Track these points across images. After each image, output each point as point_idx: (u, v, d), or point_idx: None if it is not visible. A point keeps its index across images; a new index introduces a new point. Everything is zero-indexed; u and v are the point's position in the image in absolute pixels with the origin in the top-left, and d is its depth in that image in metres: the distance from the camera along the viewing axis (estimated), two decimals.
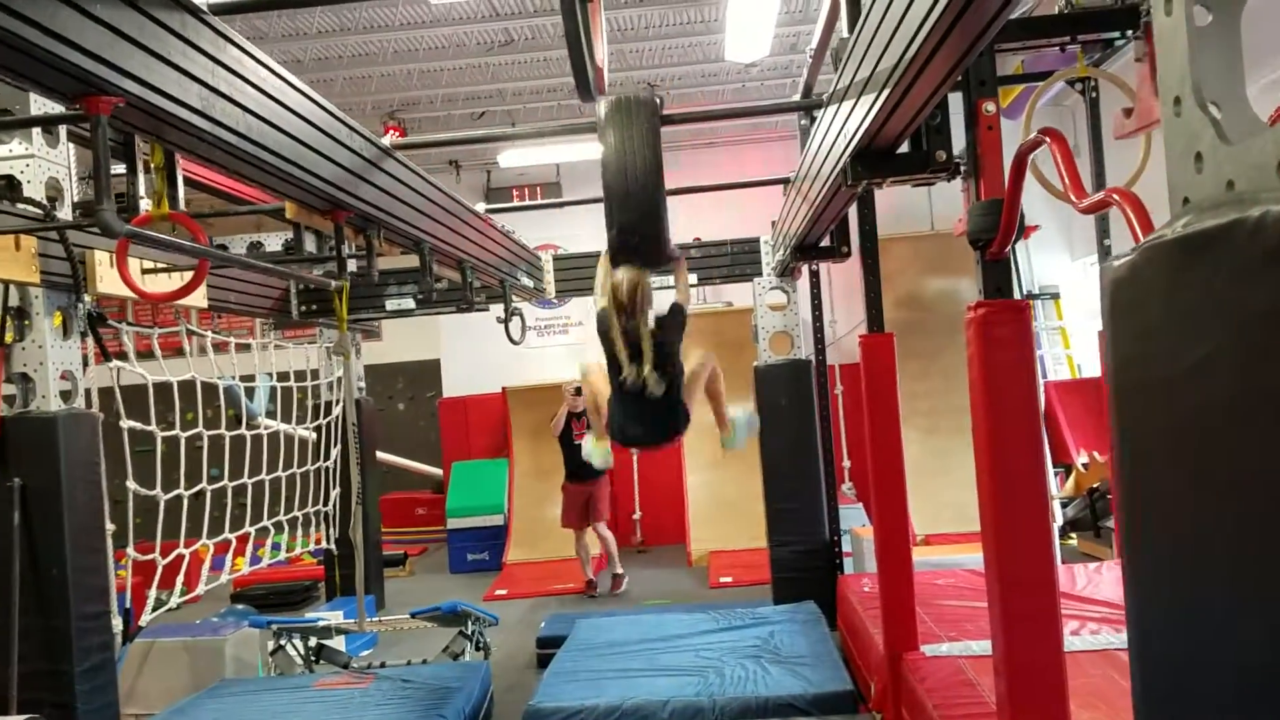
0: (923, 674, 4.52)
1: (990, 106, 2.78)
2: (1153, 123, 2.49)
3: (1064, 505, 9.45)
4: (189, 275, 6.05)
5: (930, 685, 4.37)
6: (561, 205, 9.44)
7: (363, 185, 3.78)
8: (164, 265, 5.49)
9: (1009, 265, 2.87)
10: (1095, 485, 8.94)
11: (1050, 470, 10.22)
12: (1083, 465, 9.29)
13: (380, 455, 10.32)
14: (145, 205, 3.26)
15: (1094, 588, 5.88)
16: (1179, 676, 0.94)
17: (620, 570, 9.46)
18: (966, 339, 2.89)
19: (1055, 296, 11.25)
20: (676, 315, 4.87)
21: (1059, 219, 11.43)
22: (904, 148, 3.55)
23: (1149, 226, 1.89)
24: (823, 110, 3.95)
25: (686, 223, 5.44)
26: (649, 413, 4.69)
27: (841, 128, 3.59)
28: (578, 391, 9.34)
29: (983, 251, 2.84)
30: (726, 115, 5.55)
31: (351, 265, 5.30)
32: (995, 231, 2.75)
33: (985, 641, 4.90)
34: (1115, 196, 1.96)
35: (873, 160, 3.50)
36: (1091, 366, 10.72)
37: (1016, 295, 9.22)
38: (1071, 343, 11.44)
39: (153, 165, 2.85)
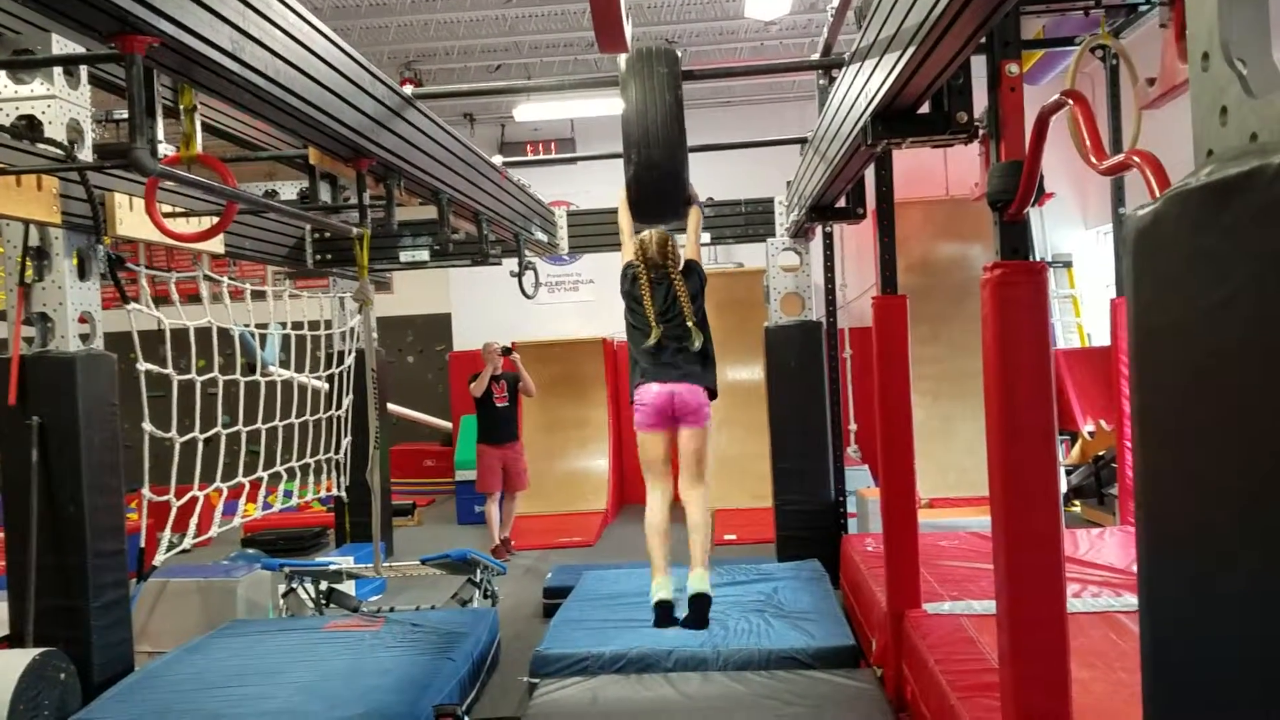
0: (924, 630, 4.59)
1: (1014, 68, 2.79)
2: (1177, 87, 2.51)
3: (1069, 472, 9.51)
4: (207, 221, 6.11)
5: (932, 641, 4.45)
6: (577, 160, 9.43)
7: (385, 134, 3.80)
8: (182, 210, 5.54)
9: (1026, 227, 2.89)
10: (1101, 453, 8.99)
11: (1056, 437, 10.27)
12: (1089, 433, 9.34)
13: (390, 407, 10.40)
14: (164, 150, 3.30)
15: (1096, 552, 5.95)
16: (1189, 624, 0.99)
17: (508, 537, 9.43)
18: (981, 299, 2.93)
19: (1068, 265, 11.25)
20: (696, 271, 5.04)
21: (1074, 188, 11.41)
22: (925, 109, 3.58)
23: (1168, 187, 1.92)
24: (843, 69, 3.96)
25: (700, 182, 5.47)
26: (686, 360, 4.87)
27: (863, 87, 3.60)
28: (505, 352, 9.40)
29: (1001, 213, 2.86)
30: (746, 73, 5.55)
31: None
32: (1014, 193, 2.77)
33: (987, 601, 5.01)
34: (1135, 158, 1.99)
35: (893, 120, 3.52)
36: (1101, 336, 10.74)
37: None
38: (1083, 312, 11.45)
39: (182, 107, 2.88)
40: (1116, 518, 7.46)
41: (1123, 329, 7.10)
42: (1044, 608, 2.80)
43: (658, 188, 4.44)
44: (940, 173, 11.14)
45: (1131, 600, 4.89)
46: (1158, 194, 1.90)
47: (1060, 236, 11.39)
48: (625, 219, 5.18)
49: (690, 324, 4.77)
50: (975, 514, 7.93)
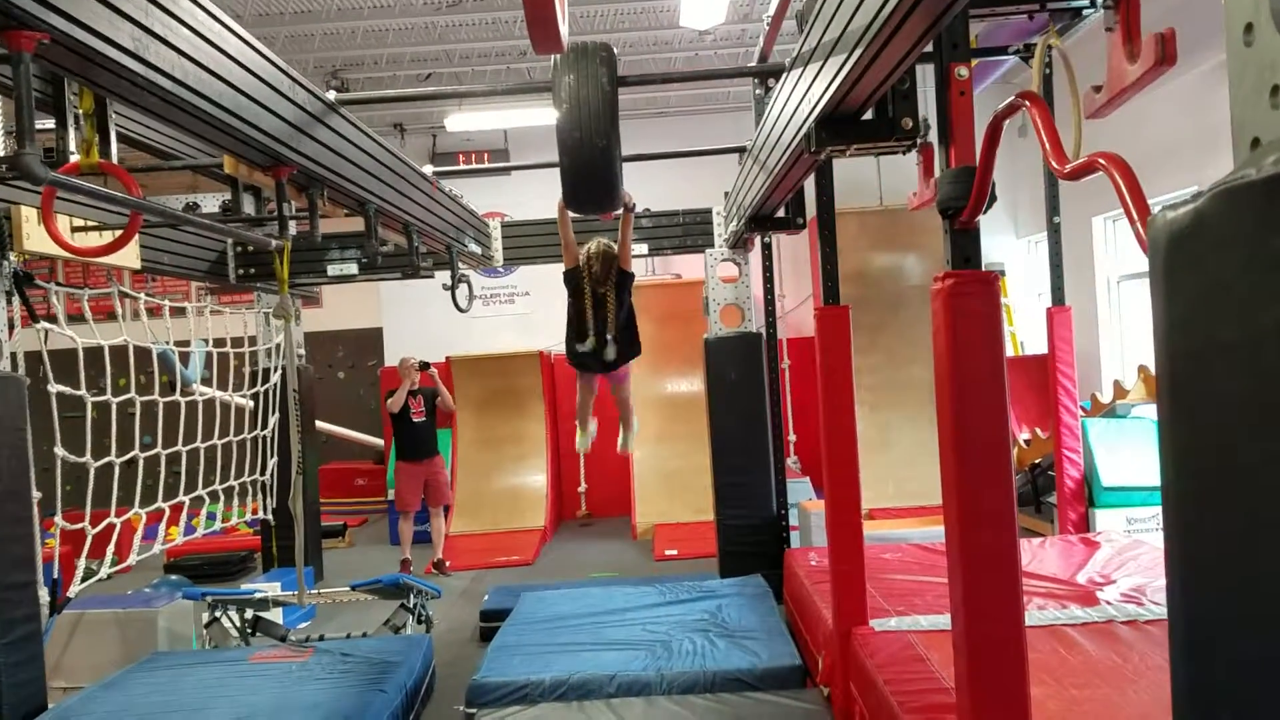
0: (872, 649, 4.49)
1: (963, 71, 2.70)
2: (1125, 90, 2.43)
3: None
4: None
5: (880, 660, 4.35)
6: (511, 170, 9.26)
7: (306, 140, 3.61)
8: (94, 224, 5.27)
9: (978, 235, 2.80)
10: (1037, 461, 9.02)
11: None
12: (1025, 441, 9.37)
13: (320, 425, 10.10)
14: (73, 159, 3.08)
15: (1038, 563, 5.91)
16: (1238, 685, 0.86)
17: (442, 557, 9.33)
18: (932, 310, 2.83)
19: (1001, 273, 11.33)
20: (626, 281, 5.53)
21: (1006, 197, 11.51)
22: (869, 116, 3.49)
23: (1138, 191, 1.82)
24: (785, 75, 3.86)
25: (636, 193, 5.36)
26: (608, 362, 5.58)
27: (805, 92, 3.50)
28: (423, 366, 9.26)
29: (952, 220, 2.76)
30: (683, 78, 5.45)
31: (292, 228, 5.12)
32: (966, 199, 2.67)
33: (934, 616, 4.94)
34: (1101, 160, 1.89)
35: (838, 126, 3.42)
36: (1034, 344, 10.81)
37: None
38: (1015, 320, 11.55)
39: (81, 111, 2.67)
40: (1055, 527, 7.47)
41: (1060, 338, 7.10)
42: (1002, 626, 2.69)
43: (592, 175, 4.32)
44: (874, 183, 11.16)
45: (1079, 613, 4.84)
46: (1126, 197, 1.80)
47: (991, 245, 11.47)
48: (566, 232, 5.48)
49: (610, 336, 5.49)
50: (916, 525, 7.90)
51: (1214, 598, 0.90)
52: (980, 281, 2.74)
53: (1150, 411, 7.85)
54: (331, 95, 3.96)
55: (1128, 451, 7.29)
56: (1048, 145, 2.14)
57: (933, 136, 5.67)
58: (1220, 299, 0.80)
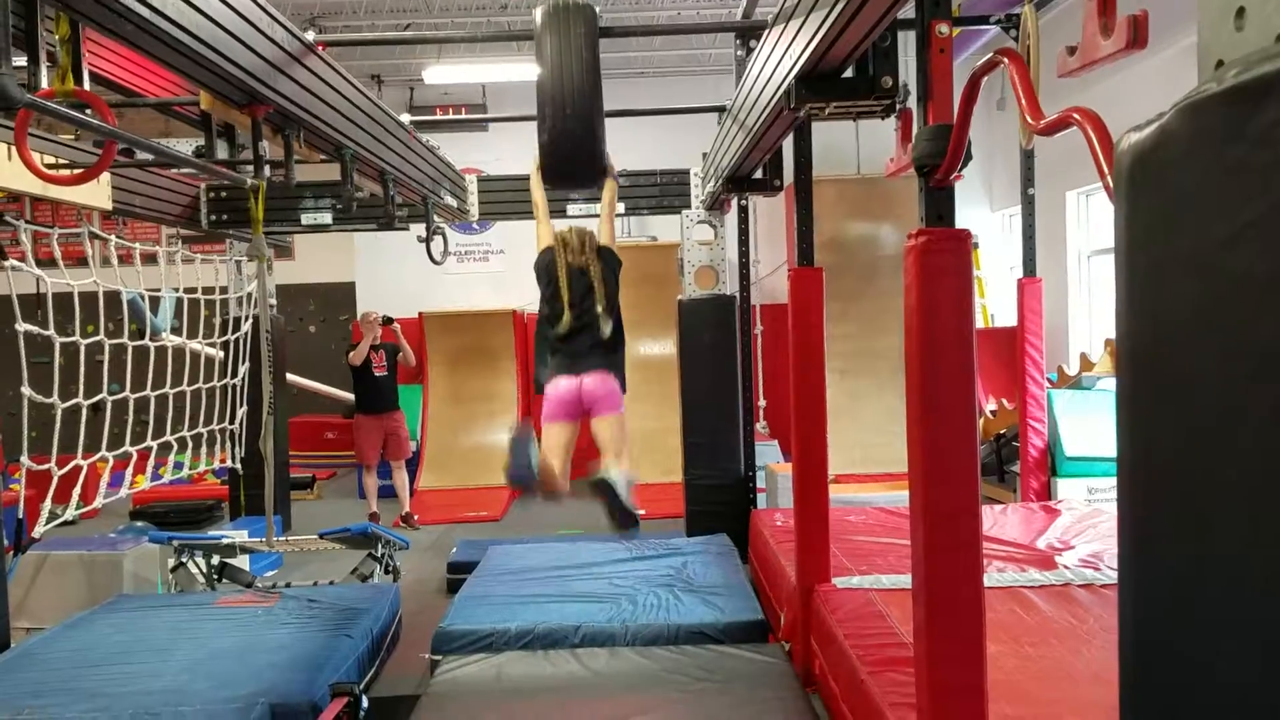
0: (834, 605, 4.56)
1: (944, 28, 2.71)
2: (1097, 60, 2.45)
3: None
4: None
5: (841, 615, 4.42)
6: (488, 122, 9.21)
7: (283, 79, 3.58)
8: (65, 163, 5.21)
9: (952, 194, 2.83)
10: (1002, 431, 9.13)
11: None
12: (991, 412, 9.48)
13: (290, 378, 10.06)
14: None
15: (1000, 529, 6.01)
16: (1181, 582, 0.90)
17: (410, 510, 9.38)
18: (904, 266, 2.86)
19: (974, 246, 11.40)
20: (612, 260, 4.85)
21: (981, 168, 11.57)
22: (849, 74, 3.50)
23: (1109, 147, 1.85)
24: (767, 31, 3.86)
25: (614, 153, 5.30)
26: (596, 349, 4.66)
27: (787, 48, 3.50)
28: (386, 321, 9.27)
29: (928, 178, 2.79)
30: (666, 31, 5.42)
31: (266, 171, 5.08)
32: (942, 157, 2.70)
33: (896, 575, 5.01)
34: (1076, 115, 1.91)
35: (817, 83, 3.43)
36: (1005, 317, 10.91)
37: None
38: (987, 293, 11.64)
39: (58, 37, 2.63)
40: (1018, 494, 7.58)
41: (1030, 308, 7.18)
42: (961, 580, 2.75)
43: (573, 148, 4.29)
44: (852, 151, 11.17)
45: (1037, 576, 4.93)
46: (1099, 154, 1.83)
47: (966, 219, 11.42)
48: (539, 194, 4.92)
49: (599, 309, 4.63)
50: (880, 489, 8.00)
51: (1159, 471, 0.93)
52: (952, 239, 2.78)
53: (1114, 385, 7.96)
54: (311, 36, 3.93)
55: (1091, 422, 7.39)
56: (1024, 101, 2.16)
57: (912, 102, 5.70)
58: (1181, 211, 0.83)
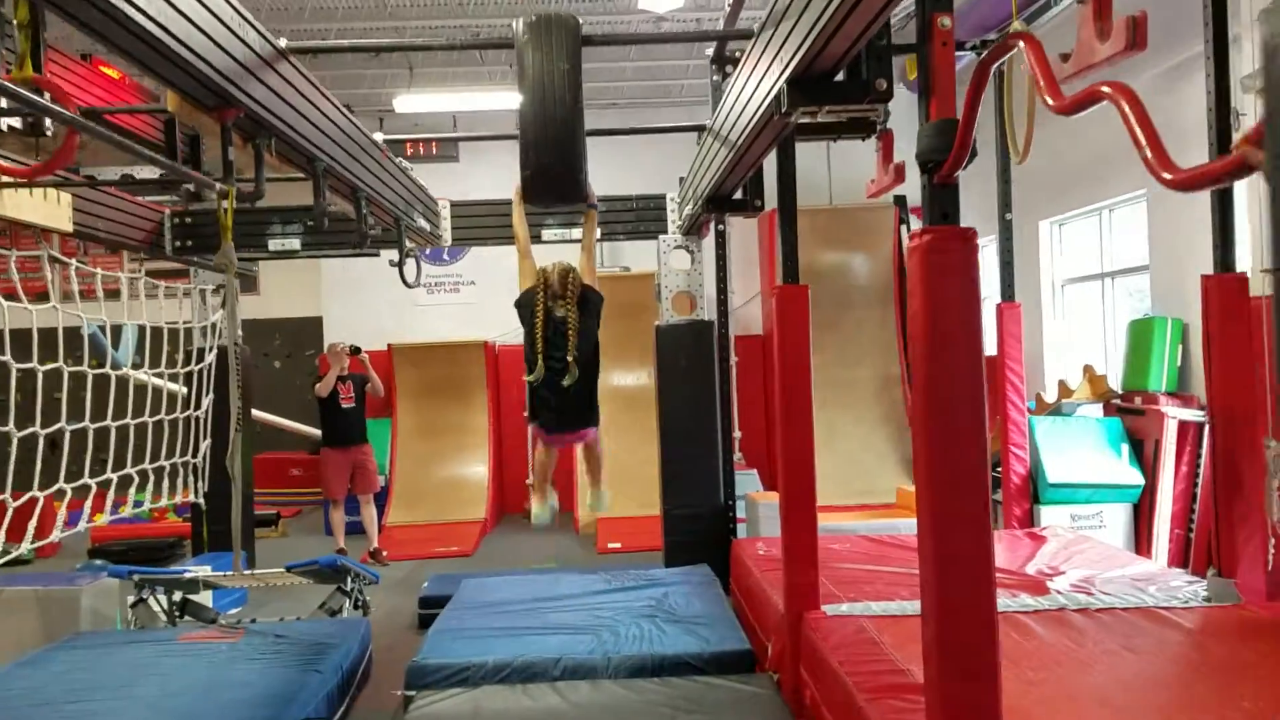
0: (824, 632, 4.42)
1: (946, 21, 2.62)
2: (1090, 66, 2.37)
3: None
4: (53, 194, 5.57)
5: (833, 643, 4.27)
6: (462, 140, 9.09)
7: (255, 83, 3.44)
8: (23, 182, 5.02)
9: (957, 191, 2.73)
10: None
11: None
12: None
13: (255, 413, 9.81)
14: None
15: None
16: None
17: (378, 546, 9.19)
18: (909, 267, 2.75)
19: None
20: (592, 300, 4.96)
21: None
22: (840, 78, 3.42)
23: (1146, 120, 1.74)
24: (755, 37, 3.76)
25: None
26: (566, 400, 4.88)
27: (777, 52, 3.41)
28: (353, 351, 9.10)
29: (931, 175, 2.69)
30: (652, 40, 5.35)
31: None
32: (947, 152, 2.60)
33: (886, 602, 4.88)
34: (1105, 89, 1.81)
35: (809, 87, 3.34)
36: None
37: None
38: (910, 343, 11.59)
39: (16, 21, 2.49)
40: (999, 522, 7.48)
41: (1009, 333, 7.12)
42: (974, 591, 2.62)
43: (555, 179, 4.19)
44: (824, 181, 11.16)
45: (1029, 601, 4.81)
46: (1134, 124, 1.73)
47: None
48: (521, 228, 4.97)
49: (570, 359, 4.78)
50: (857, 518, 7.88)
51: None
52: (959, 238, 2.67)
53: (1095, 411, 7.90)
54: (283, 42, 3.80)
55: (1073, 449, 7.33)
56: (1042, 82, 2.06)
57: (892, 123, 5.64)
58: None
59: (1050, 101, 2.04)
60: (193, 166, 4.65)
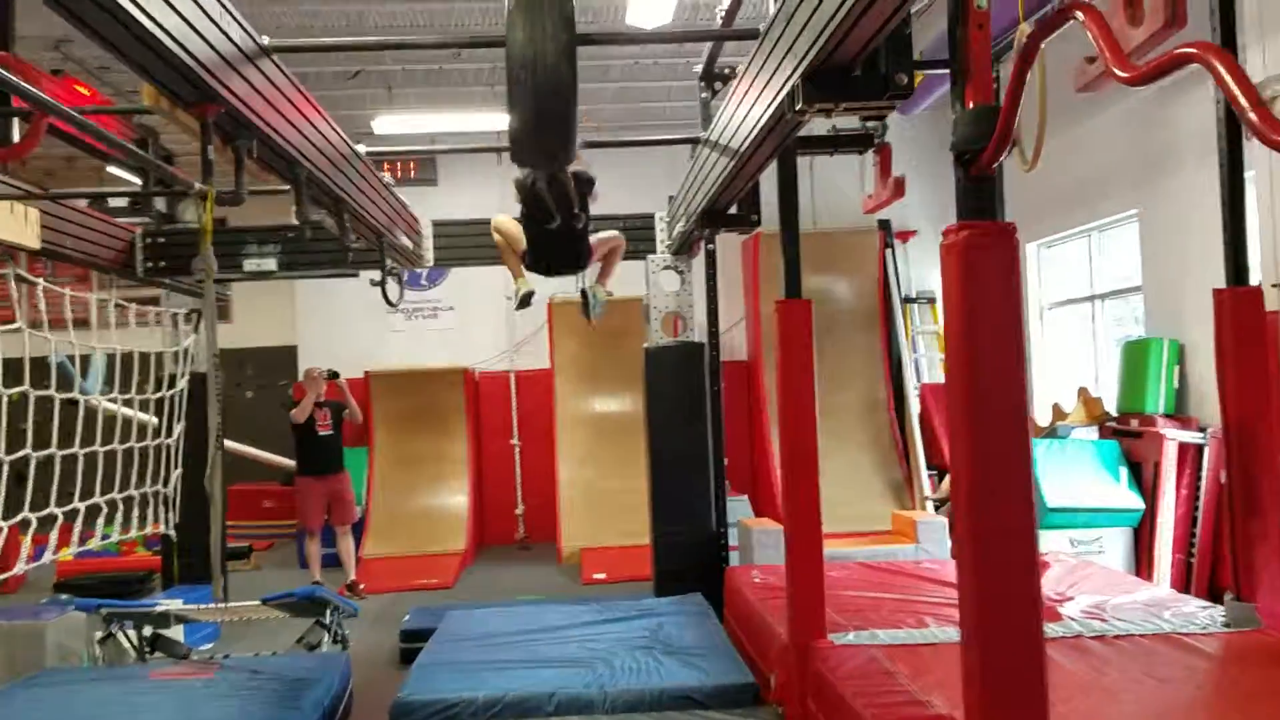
0: (834, 663, 4.21)
1: (982, 2, 2.47)
2: (1130, 51, 2.20)
3: (938, 507, 9.39)
4: (19, 210, 5.32)
5: (844, 674, 4.07)
6: (441, 153, 8.90)
7: (236, 79, 3.24)
8: None
9: (993, 184, 2.56)
10: None
11: (925, 471, 10.17)
12: None
13: (229, 444, 9.50)
14: None
15: None
16: None
17: (356, 579, 8.86)
18: (943, 266, 2.58)
19: (932, 301, 11.26)
20: (586, 181, 4.88)
21: (935, 225, 11.48)
22: (857, 74, 3.26)
23: (1243, 77, 1.58)
24: (764, 32, 3.59)
25: None
26: (563, 246, 5.01)
27: (790, 47, 3.25)
28: (331, 376, 8.84)
29: (966, 167, 2.52)
30: (650, 40, 5.22)
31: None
32: (985, 141, 2.43)
33: (893, 631, 4.68)
34: (1193, 49, 1.64)
35: (825, 82, 3.17)
36: None
37: (895, 299, 8.99)
38: (946, 348, 11.48)
39: None
40: None
41: None
42: (1020, 608, 2.43)
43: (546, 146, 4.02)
44: (808, 204, 11.01)
45: (1046, 628, 4.61)
46: (1230, 84, 1.55)
47: (924, 275, 11.38)
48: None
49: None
50: (851, 545, 7.66)
51: None
52: (997, 232, 2.50)
53: (1090, 434, 7.76)
54: (266, 39, 3.60)
55: (1071, 473, 7.18)
56: (1108, 53, 1.90)
57: (890, 136, 5.47)
58: None
59: (1121, 74, 1.87)
60: (165, 185, 4.42)
